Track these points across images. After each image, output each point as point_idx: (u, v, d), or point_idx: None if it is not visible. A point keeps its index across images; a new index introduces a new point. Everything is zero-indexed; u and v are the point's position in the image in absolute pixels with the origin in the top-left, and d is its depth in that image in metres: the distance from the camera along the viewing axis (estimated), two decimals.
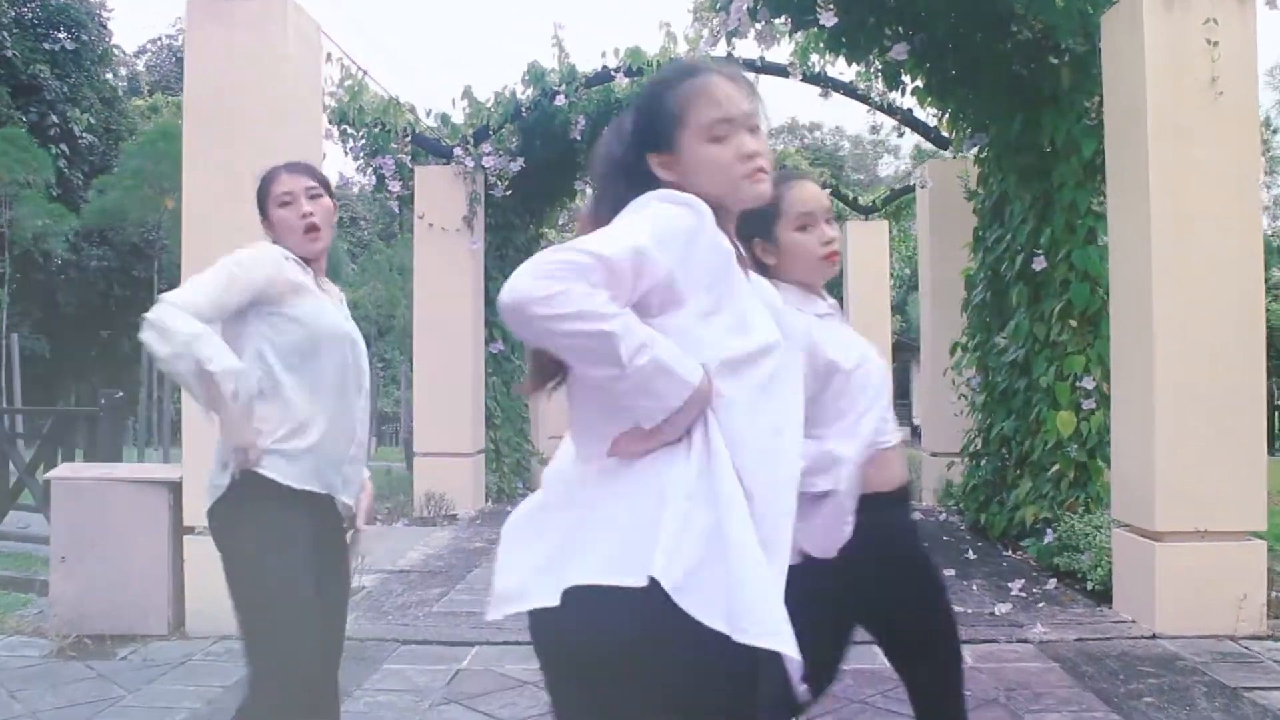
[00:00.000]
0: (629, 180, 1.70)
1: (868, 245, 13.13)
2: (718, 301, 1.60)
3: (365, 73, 9.36)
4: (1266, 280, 5.59)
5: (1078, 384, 6.53)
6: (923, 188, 9.96)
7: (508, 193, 9.66)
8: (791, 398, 1.68)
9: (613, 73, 9.11)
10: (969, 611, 5.36)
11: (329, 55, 8.28)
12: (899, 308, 25.29)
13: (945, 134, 9.03)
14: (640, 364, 1.48)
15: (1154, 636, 4.98)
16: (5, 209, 25.07)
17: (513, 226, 10.95)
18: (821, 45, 7.76)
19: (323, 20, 5.93)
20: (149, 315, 2.41)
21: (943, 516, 8.68)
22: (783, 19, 7.11)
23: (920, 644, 2.58)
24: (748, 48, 8.02)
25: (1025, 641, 4.92)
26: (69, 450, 7.65)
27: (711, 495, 1.52)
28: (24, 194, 24.78)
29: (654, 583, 1.47)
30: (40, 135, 27.59)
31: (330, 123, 9.18)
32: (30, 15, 30.11)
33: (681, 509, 1.51)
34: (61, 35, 30.19)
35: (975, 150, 8.08)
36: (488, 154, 9.39)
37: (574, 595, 1.52)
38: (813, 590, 2.18)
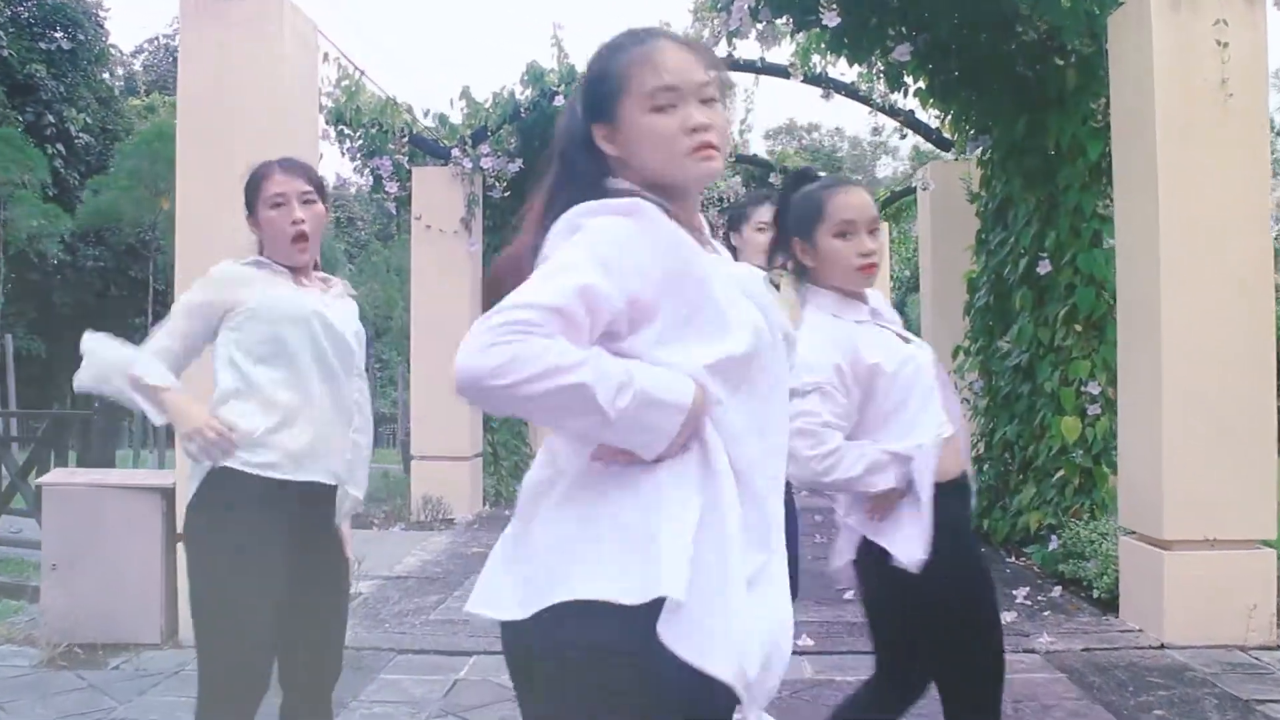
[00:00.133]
0: (578, 155, 1.60)
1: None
2: (690, 303, 1.48)
3: (362, 73, 9.29)
4: (1277, 285, 5.51)
5: (1083, 389, 6.46)
6: (924, 190, 9.89)
7: (506, 194, 9.57)
8: (773, 394, 1.57)
9: None
10: None
11: (326, 55, 8.20)
12: (899, 309, 25.11)
13: (947, 136, 8.96)
14: (624, 405, 1.38)
15: (1162, 646, 4.90)
16: (0, 209, 24.97)
17: (511, 228, 10.64)
18: (823, 46, 7.69)
19: (319, 20, 5.85)
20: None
21: None
22: (784, 19, 7.04)
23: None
24: (749, 48, 7.97)
25: (1032, 652, 4.84)
26: (62, 453, 7.59)
27: (711, 506, 1.44)
28: (19, 194, 24.68)
29: (652, 602, 1.39)
30: (36, 135, 27.51)
31: (327, 123, 9.10)
32: (26, 14, 30.01)
33: (680, 525, 1.42)
34: (58, 35, 30.09)
35: (978, 152, 8.01)
36: (486, 155, 9.31)
37: (561, 610, 1.43)
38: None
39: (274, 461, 2.49)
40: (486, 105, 9.54)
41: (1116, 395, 5.85)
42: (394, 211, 10.31)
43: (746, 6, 6.69)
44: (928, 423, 2.37)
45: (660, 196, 1.56)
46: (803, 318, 2.48)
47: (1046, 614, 5.50)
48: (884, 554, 2.37)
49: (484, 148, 9.34)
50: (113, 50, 35.98)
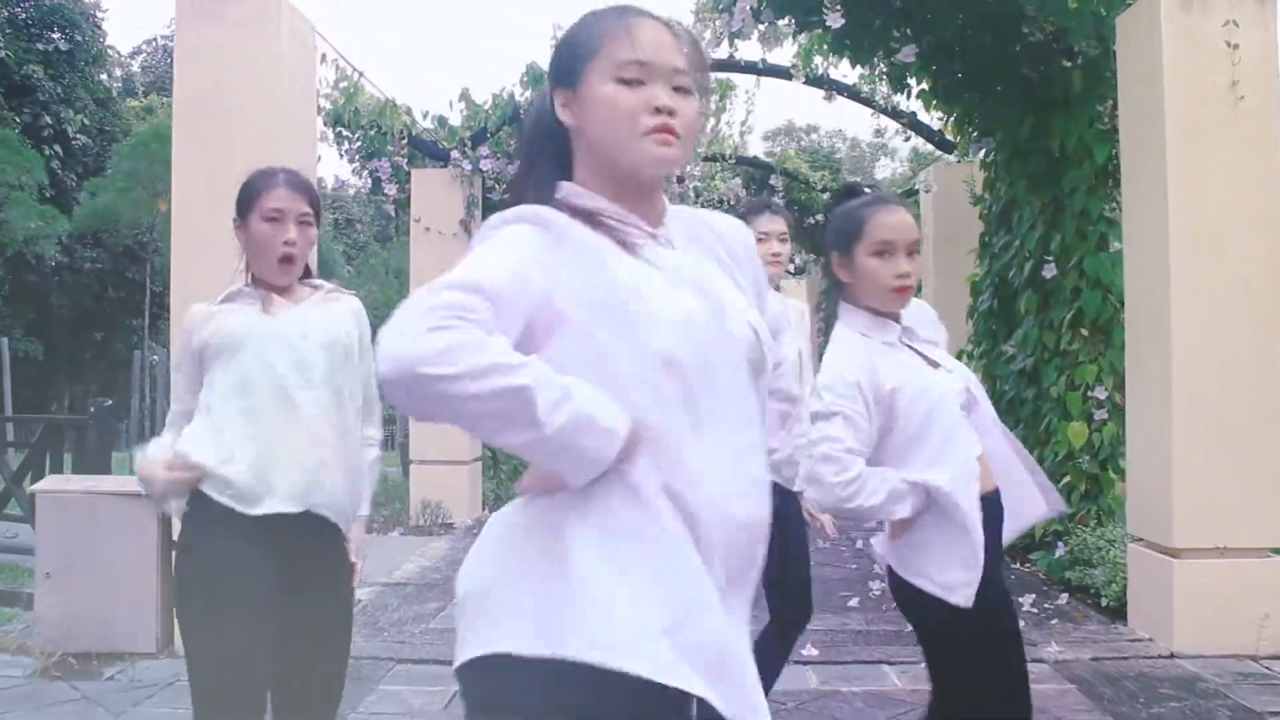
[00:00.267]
0: (536, 125, 1.52)
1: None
2: (603, 309, 1.36)
3: (361, 74, 9.22)
4: None
5: (1089, 394, 6.40)
6: (927, 192, 9.83)
7: (506, 196, 9.48)
8: (718, 397, 1.40)
9: None
10: None
11: (324, 56, 8.14)
12: None
13: (950, 138, 8.90)
14: (561, 422, 1.24)
15: (1172, 656, 4.84)
16: None
17: None
18: (825, 47, 7.63)
19: (317, 20, 5.80)
20: None
21: None
22: (786, 20, 6.97)
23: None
24: (751, 50, 7.91)
25: (1040, 661, 4.77)
26: (58, 457, 7.52)
27: (638, 545, 1.32)
28: (16, 196, 24.59)
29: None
30: (34, 136, 27.40)
31: (325, 125, 9.05)
32: (24, 15, 29.90)
33: (602, 574, 1.31)
34: (55, 36, 29.97)
35: (981, 154, 7.95)
36: (485, 157, 9.24)
37: (481, 663, 1.34)
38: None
39: (230, 494, 2.40)
40: (486, 107, 9.47)
41: (1124, 400, 5.79)
42: (393, 214, 10.24)
43: (749, 7, 6.63)
44: (955, 453, 2.32)
45: (609, 185, 1.47)
46: (833, 333, 2.47)
47: (1054, 622, 5.44)
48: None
49: (483, 149, 9.28)
50: (110, 51, 35.88)
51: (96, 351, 31.20)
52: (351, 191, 33.60)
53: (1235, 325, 4.96)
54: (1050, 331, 6.75)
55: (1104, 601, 5.61)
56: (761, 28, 6.93)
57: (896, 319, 2.46)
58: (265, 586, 2.39)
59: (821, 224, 13.30)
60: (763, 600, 3.28)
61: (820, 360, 2.49)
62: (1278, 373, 5.03)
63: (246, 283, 2.60)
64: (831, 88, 8.67)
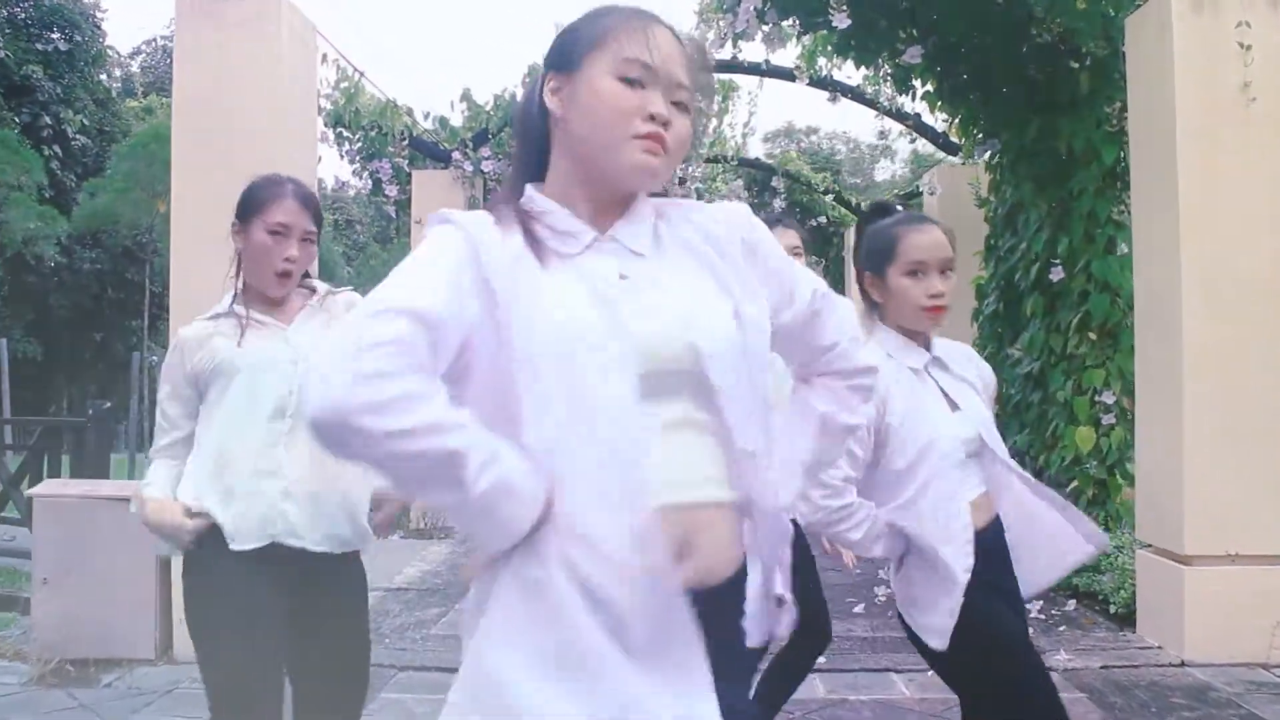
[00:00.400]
0: (522, 114, 1.47)
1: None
2: (500, 329, 1.28)
3: (362, 74, 9.17)
4: None
5: (1097, 398, 6.34)
6: (931, 194, 9.77)
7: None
8: (608, 427, 1.27)
9: None
10: None
11: (324, 56, 8.08)
12: None
13: (955, 140, 8.85)
14: (484, 488, 1.19)
15: (1183, 664, 4.78)
16: None
17: None
18: (830, 49, 7.59)
19: (318, 20, 5.74)
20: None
21: None
22: (790, 21, 6.92)
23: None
24: (754, 51, 7.86)
25: (1050, 669, 4.69)
26: (56, 460, 7.47)
27: (531, 626, 1.25)
28: (15, 196, 24.54)
29: None
30: (33, 137, 27.39)
31: (326, 125, 9.00)
32: (23, 15, 29.89)
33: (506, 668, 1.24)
34: (55, 36, 29.95)
35: (987, 156, 7.90)
36: (487, 158, 9.20)
37: None
38: None
39: (223, 531, 2.36)
40: (487, 107, 9.43)
41: (1132, 405, 5.73)
42: (394, 215, 10.20)
43: (753, 8, 6.57)
44: (933, 500, 2.30)
45: (580, 183, 1.41)
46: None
47: (1062, 629, 5.38)
48: None
49: (485, 150, 9.23)
50: (110, 52, 35.84)
51: (95, 352, 31.16)
52: (351, 192, 33.58)
53: (1247, 329, 4.91)
54: (1057, 335, 6.69)
55: (1112, 608, 5.55)
56: (765, 28, 6.88)
57: (927, 345, 2.43)
58: (275, 602, 2.34)
59: (822, 227, 13.34)
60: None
61: None
62: None
63: (237, 292, 2.52)
64: (836, 89, 8.62)
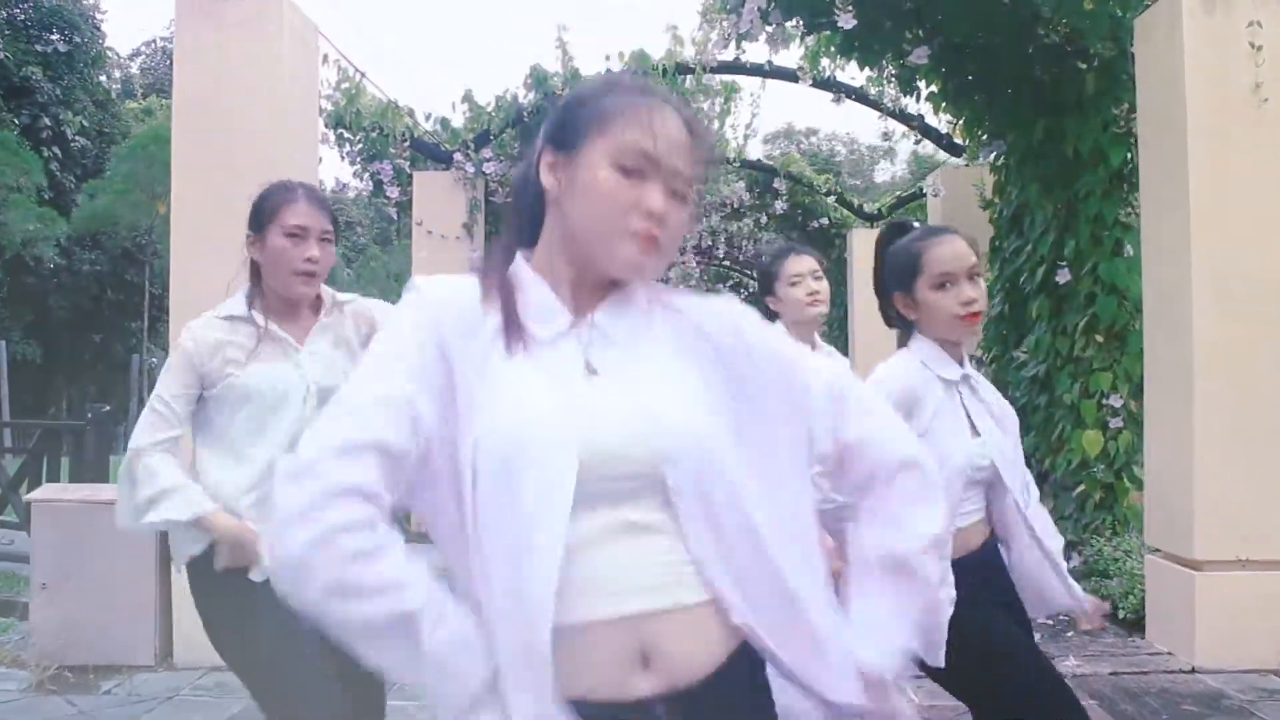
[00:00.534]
0: (521, 180, 1.42)
1: (873, 253, 12.82)
2: (457, 423, 1.25)
3: (363, 75, 9.11)
4: None
5: (1104, 401, 6.29)
6: (935, 196, 9.71)
7: (508, 199, 9.38)
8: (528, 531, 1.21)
9: None
10: None
11: (325, 57, 8.02)
12: None
13: (959, 141, 8.80)
14: (441, 638, 1.17)
15: (1194, 671, 4.73)
16: None
17: None
18: (833, 49, 7.53)
19: (319, 20, 5.69)
20: (127, 468, 2.33)
21: None
22: (794, 21, 6.87)
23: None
24: (757, 51, 7.81)
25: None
26: (55, 463, 7.43)
27: None
28: (14, 198, 24.51)
29: None
30: (32, 138, 27.36)
31: (326, 126, 8.93)
32: (23, 17, 29.87)
33: None
34: (54, 37, 29.92)
35: (992, 158, 7.85)
36: (489, 159, 9.13)
37: None
38: None
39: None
40: (489, 109, 9.36)
41: (1139, 408, 5.68)
42: (395, 217, 10.14)
43: (757, 8, 6.52)
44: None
45: (568, 262, 1.35)
46: (894, 357, 2.46)
47: (1070, 635, 5.33)
48: None
49: (486, 152, 9.17)
50: (109, 53, 35.82)
51: (95, 354, 31.12)
52: (351, 194, 33.49)
53: (1259, 329, 4.86)
54: (1063, 337, 6.64)
55: (1121, 614, 5.50)
56: (769, 29, 6.82)
57: (960, 359, 2.45)
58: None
59: (824, 229, 13.29)
60: None
61: None
62: None
63: (248, 295, 2.49)
64: (839, 90, 8.57)
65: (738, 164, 11.86)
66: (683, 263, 13.91)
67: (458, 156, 9.10)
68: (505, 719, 1.18)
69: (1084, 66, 6.33)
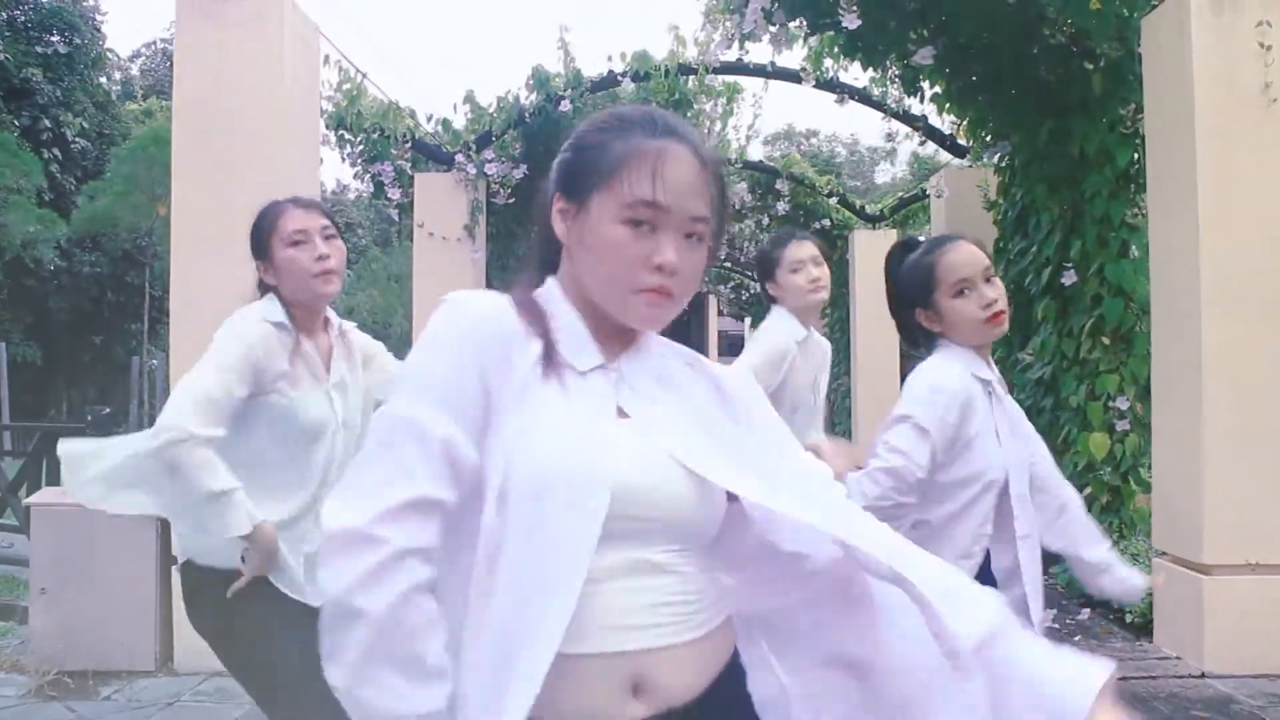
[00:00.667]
0: (541, 213, 1.40)
1: (875, 254, 12.77)
2: (491, 451, 1.24)
3: (364, 76, 9.08)
4: None
5: (1110, 404, 6.25)
6: (939, 197, 9.68)
7: (510, 201, 9.35)
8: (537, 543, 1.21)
9: (619, 77, 8.84)
10: None
11: (326, 57, 7.99)
12: None
13: (963, 142, 8.77)
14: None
15: (1203, 676, 4.70)
16: None
17: (515, 236, 10.65)
18: (837, 50, 7.49)
19: (320, 20, 5.66)
20: (168, 450, 2.21)
21: None
22: (798, 22, 6.84)
23: None
24: (760, 52, 7.77)
25: None
26: (55, 466, 7.39)
27: None
28: (14, 199, 24.46)
29: None
30: (32, 140, 27.30)
31: (327, 128, 8.89)
32: (23, 18, 29.81)
33: None
34: (54, 38, 29.85)
35: (997, 159, 7.81)
36: (490, 161, 9.10)
37: None
38: None
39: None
40: (490, 110, 9.33)
41: (1145, 411, 5.64)
42: (396, 218, 10.10)
43: (760, 8, 6.48)
44: (970, 528, 2.35)
45: (585, 303, 1.35)
46: (929, 361, 2.46)
47: (1077, 639, 5.30)
48: None
49: (488, 153, 9.13)
50: (110, 54, 35.75)
51: (95, 356, 31.06)
52: (352, 195, 33.48)
53: (1267, 333, 4.83)
54: (1069, 340, 6.60)
55: (1128, 618, 5.46)
56: (773, 29, 6.79)
57: (989, 361, 2.47)
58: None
59: (826, 230, 13.28)
60: None
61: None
62: None
63: (288, 313, 2.45)
64: (843, 91, 8.54)
65: (739, 165, 11.83)
66: None
67: (459, 158, 9.07)
68: None
69: (1090, 67, 6.29)
